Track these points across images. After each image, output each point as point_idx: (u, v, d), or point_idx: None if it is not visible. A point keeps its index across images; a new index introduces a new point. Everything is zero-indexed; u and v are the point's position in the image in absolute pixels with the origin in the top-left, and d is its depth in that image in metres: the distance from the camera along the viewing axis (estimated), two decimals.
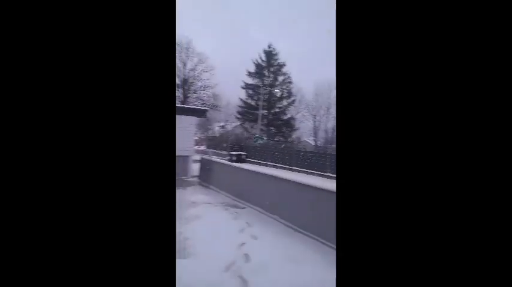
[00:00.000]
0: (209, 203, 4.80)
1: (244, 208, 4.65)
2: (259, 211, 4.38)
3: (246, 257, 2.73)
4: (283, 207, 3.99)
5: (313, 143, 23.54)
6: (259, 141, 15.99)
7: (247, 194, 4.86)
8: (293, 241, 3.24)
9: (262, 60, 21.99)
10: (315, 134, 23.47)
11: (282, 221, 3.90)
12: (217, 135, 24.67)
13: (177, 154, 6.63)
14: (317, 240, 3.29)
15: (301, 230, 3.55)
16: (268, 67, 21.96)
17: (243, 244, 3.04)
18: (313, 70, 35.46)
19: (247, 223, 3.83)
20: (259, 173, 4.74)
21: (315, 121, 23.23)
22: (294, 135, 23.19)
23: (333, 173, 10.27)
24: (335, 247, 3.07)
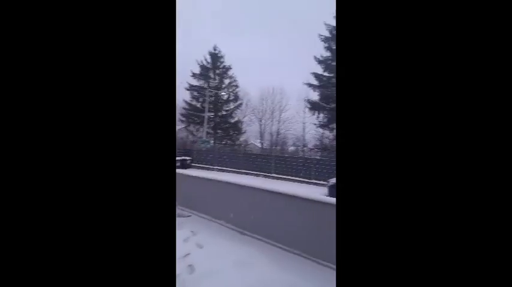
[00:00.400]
0: None
1: (189, 216, 4.42)
2: (205, 218, 4.24)
3: (191, 268, 2.58)
4: (228, 211, 3.95)
5: (259, 145, 24.26)
6: (205, 145, 15.54)
7: (191, 201, 4.64)
8: (239, 245, 3.23)
9: (208, 62, 21.57)
10: (261, 137, 24.23)
11: (228, 225, 3.86)
12: None
13: None
14: (263, 241, 3.36)
15: (248, 233, 3.58)
16: (214, 69, 21.66)
17: (187, 254, 2.87)
18: (258, 75, 36.70)
19: (192, 231, 3.64)
20: (202, 178, 4.60)
21: (260, 124, 23.97)
22: (242, 138, 23.46)
23: (278, 174, 10.76)
24: (281, 246, 3.23)
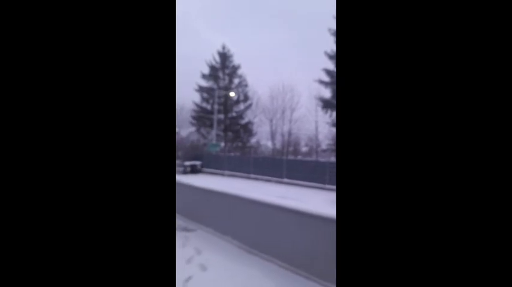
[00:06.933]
0: None
1: (194, 230, 4.26)
2: (211, 233, 4.06)
3: None
4: (235, 226, 3.74)
5: (271, 146, 23.94)
6: (214, 148, 15.42)
7: (197, 214, 4.49)
8: (245, 267, 3.01)
9: (216, 62, 21.46)
10: (272, 138, 23.84)
11: (235, 242, 3.65)
12: None
13: None
14: (270, 261, 3.12)
15: (255, 251, 3.35)
16: (223, 69, 21.54)
17: (189, 278, 2.68)
18: (267, 73, 36.30)
19: (196, 249, 3.46)
20: (208, 190, 4.41)
21: (271, 125, 23.56)
22: (253, 140, 23.20)
23: (290, 179, 10.45)
24: (289, 266, 2.98)
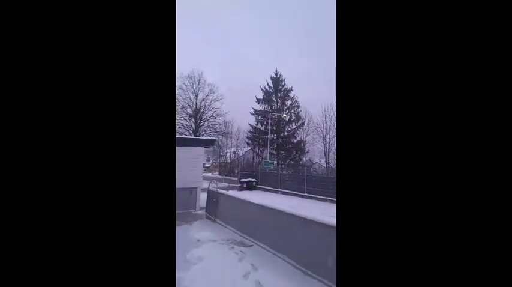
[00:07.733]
0: (214, 241, 4.61)
1: (251, 245, 4.42)
2: (266, 249, 4.14)
3: None
4: (291, 245, 3.75)
5: (324, 164, 22.94)
6: (267, 166, 15.73)
7: (253, 229, 4.66)
8: None
9: (270, 87, 22.54)
10: (326, 156, 22.87)
11: (290, 261, 3.64)
12: (229, 161, 24.78)
13: (184, 186, 6.35)
14: (328, 285, 3.00)
15: (310, 273, 3.28)
16: (276, 93, 22.42)
17: None
18: (318, 91, 35.79)
19: (252, 265, 3.60)
20: (265, 207, 4.56)
21: (324, 143, 22.76)
22: (305, 158, 22.77)
23: None
24: None
